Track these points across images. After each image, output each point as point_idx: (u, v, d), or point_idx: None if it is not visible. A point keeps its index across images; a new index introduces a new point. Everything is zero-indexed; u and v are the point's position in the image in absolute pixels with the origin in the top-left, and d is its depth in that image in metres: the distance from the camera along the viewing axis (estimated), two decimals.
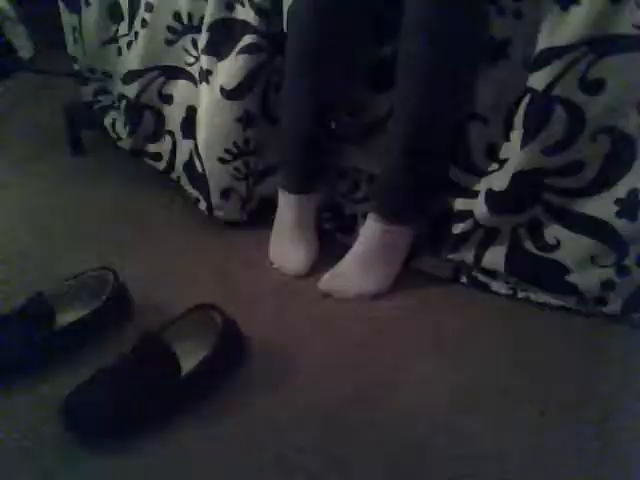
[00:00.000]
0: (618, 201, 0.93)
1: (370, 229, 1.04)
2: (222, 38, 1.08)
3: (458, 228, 1.04)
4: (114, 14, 1.26)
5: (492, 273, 1.06)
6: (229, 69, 1.08)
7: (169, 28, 1.17)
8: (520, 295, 1.06)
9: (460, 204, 1.03)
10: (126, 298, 0.95)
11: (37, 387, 0.83)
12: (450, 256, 1.06)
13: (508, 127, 0.96)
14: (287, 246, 1.08)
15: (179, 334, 0.85)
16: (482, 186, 1.00)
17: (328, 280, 1.05)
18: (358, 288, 1.04)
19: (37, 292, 0.89)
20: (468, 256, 1.05)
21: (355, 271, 1.05)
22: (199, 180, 1.20)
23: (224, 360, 0.86)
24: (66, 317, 0.89)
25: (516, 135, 0.94)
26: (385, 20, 0.97)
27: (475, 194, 1.01)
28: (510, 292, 1.06)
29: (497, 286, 1.07)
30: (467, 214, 1.03)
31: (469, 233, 1.04)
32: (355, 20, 0.98)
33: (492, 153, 0.99)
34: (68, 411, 0.77)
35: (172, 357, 0.80)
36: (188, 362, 0.82)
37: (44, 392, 0.83)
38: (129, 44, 1.24)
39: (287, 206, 1.09)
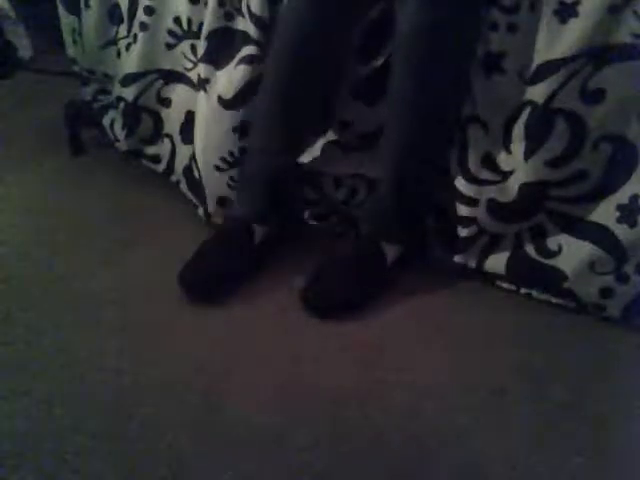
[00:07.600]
0: (619, 207, 0.93)
1: None
2: (221, 47, 1.08)
3: (464, 232, 1.04)
4: (114, 16, 1.26)
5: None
6: (227, 79, 1.08)
7: (170, 32, 1.16)
8: (522, 291, 1.07)
9: (463, 211, 1.03)
10: None
11: None
12: (457, 258, 1.07)
13: (507, 138, 0.96)
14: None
15: None
16: (482, 196, 1.00)
17: None
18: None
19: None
20: (471, 261, 1.06)
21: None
22: (197, 186, 1.20)
23: None
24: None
25: (518, 147, 0.94)
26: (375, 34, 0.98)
27: (475, 202, 1.01)
28: (513, 287, 1.07)
29: (500, 281, 1.08)
30: (471, 221, 1.03)
31: (475, 237, 1.04)
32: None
33: (489, 162, 0.99)
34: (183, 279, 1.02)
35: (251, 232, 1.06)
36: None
37: None
38: (128, 46, 1.23)
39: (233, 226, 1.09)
